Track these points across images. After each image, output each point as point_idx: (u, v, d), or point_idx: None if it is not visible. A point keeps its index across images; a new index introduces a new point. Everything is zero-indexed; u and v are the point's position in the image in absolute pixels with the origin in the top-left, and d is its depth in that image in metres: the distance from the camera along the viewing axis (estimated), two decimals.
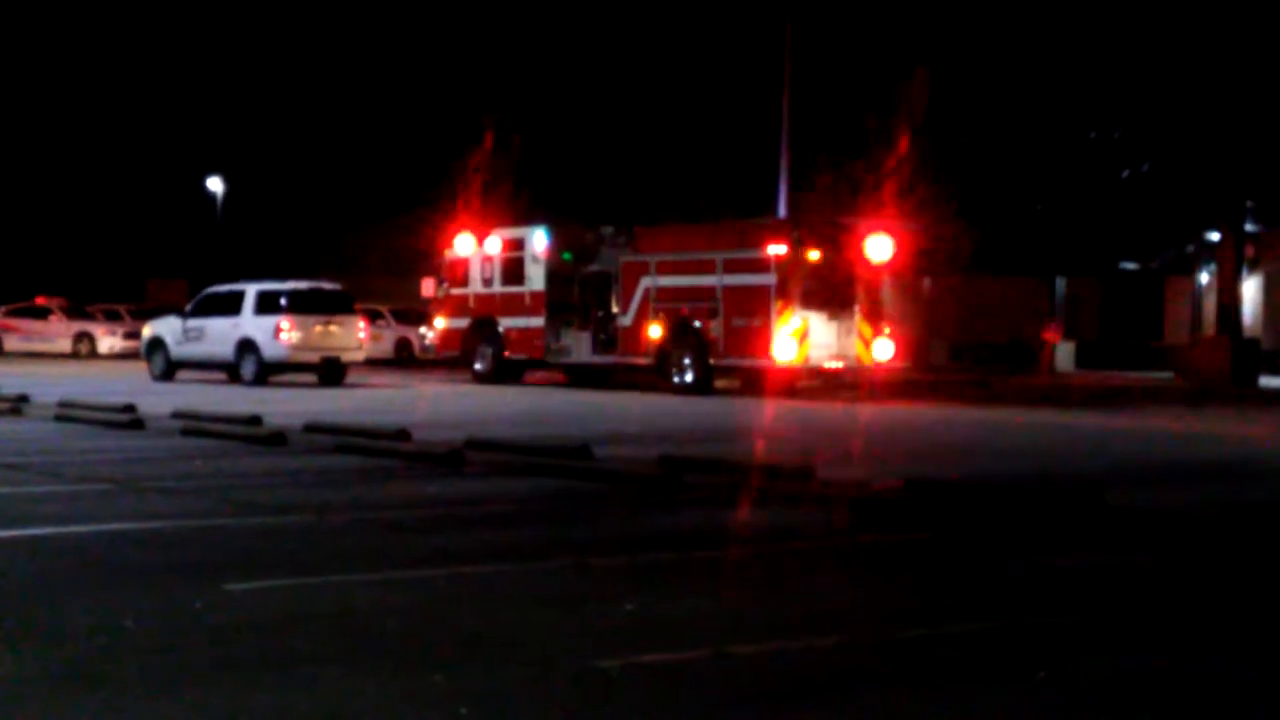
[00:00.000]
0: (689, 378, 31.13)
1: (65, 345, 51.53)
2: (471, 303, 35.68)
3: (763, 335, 30.02)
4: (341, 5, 59.48)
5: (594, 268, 33.91)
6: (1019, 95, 42.88)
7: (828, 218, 33.58)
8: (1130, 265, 46.80)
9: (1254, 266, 41.57)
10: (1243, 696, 6.99)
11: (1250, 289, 40.81)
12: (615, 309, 32.94)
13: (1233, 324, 37.85)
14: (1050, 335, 44.97)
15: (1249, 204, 39.08)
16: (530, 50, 51.92)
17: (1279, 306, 41.04)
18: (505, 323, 34.84)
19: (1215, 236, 40.00)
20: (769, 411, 26.20)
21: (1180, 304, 45.09)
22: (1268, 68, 37.17)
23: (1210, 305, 40.54)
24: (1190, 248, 43.45)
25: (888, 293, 31.59)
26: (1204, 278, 43.08)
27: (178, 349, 34.76)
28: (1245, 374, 36.47)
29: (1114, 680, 7.19)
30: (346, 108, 59.88)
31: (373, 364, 40.46)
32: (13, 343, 51.70)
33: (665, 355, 31.64)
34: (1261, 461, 18.34)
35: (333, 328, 33.84)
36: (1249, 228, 39.61)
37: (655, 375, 32.15)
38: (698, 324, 31.08)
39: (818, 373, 31.34)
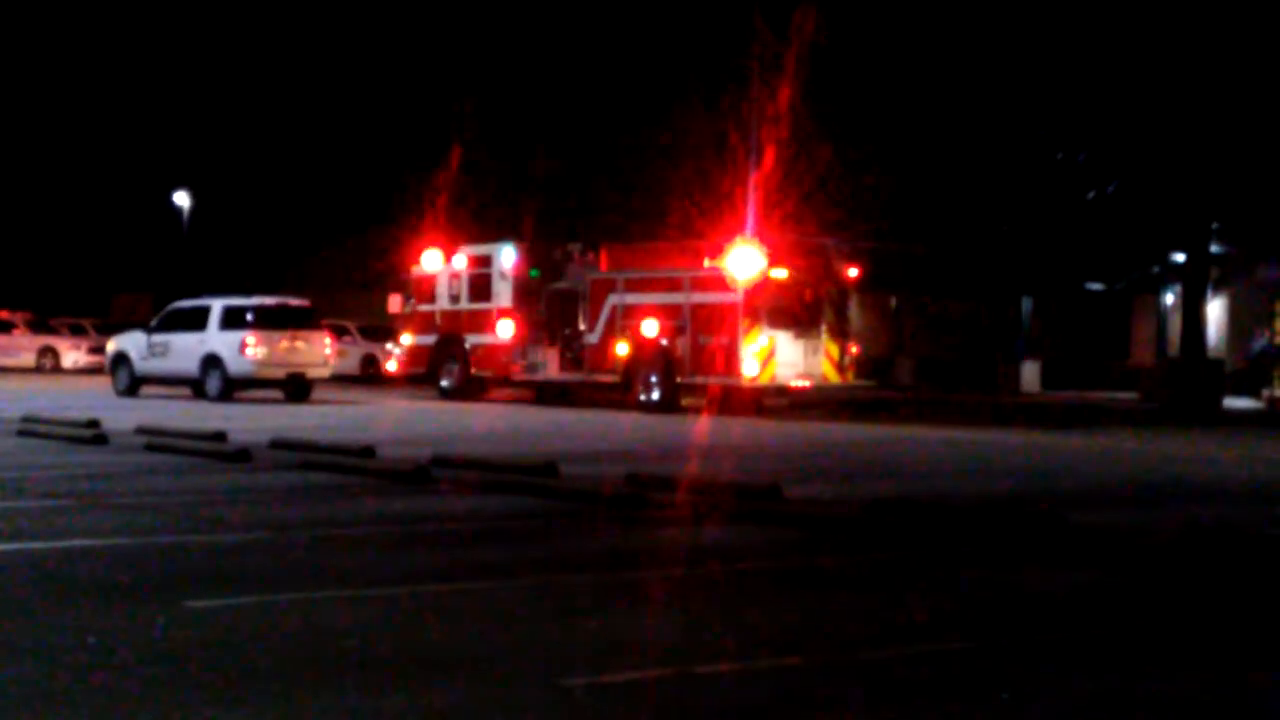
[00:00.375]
0: (655, 396, 31.15)
1: (29, 360, 51.27)
2: (438, 319, 35.66)
3: (729, 353, 30.07)
4: (307, 22, 59.41)
5: (561, 285, 33.95)
6: (986, 116, 43.07)
7: (795, 236, 33.67)
8: (1096, 286, 47.03)
9: (1219, 287, 41.83)
10: (1196, 716, 7.03)
11: (1215, 310, 41.06)
12: (582, 326, 32.96)
13: (1197, 345, 38.05)
14: (1013, 355, 45.15)
15: (1214, 225, 39.32)
16: (498, 66, 51.93)
17: (1243, 328, 41.27)
18: (472, 339, 34.82)
19: (1180, 258, 40.23)
20: (735, 430, 26.22)
21: (1146, 324, 45.36)
22: (1233, 90, 37.44)
23: (1175, 326, 40.76)
24: (1156, 268, 43.71)
25: (854, 311, 31.70)
26: (1169, 298, 43.34)
27: (143, 364, 34.60)
28: (1209, 395, 36.66)
29: (1072, 701, 7.21)
30: (313, 123, 59.80)
31: (339, 380, 40.36)
32: None
33: (632, 373, 31.66)
34: (1223, 483, 18.42)
35: (299, 344, 33.74)
36: (1214, 249, 39.86)
37: (622, 393, 32.17)
38: (664, 342, 31.12)
39: (784, 391, 31.41)
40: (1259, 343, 39.23)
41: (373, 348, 47.20)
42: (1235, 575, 10.98)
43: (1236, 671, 7.96)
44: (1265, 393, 37.49)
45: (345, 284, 56.86)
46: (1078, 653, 8.26)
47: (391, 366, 38.19)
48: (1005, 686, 7.44)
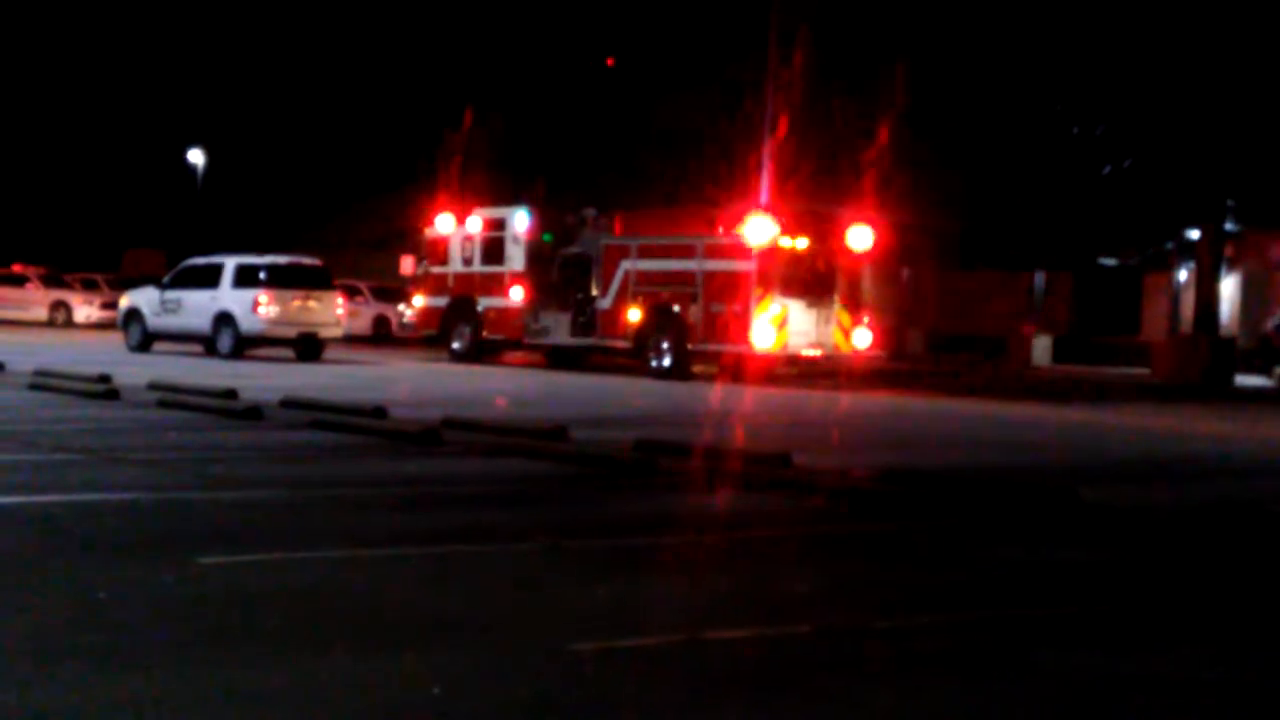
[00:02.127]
0: (667, 362, 31.11)
1: (42, 314, 51.34)
2: (451, 282, 35.61)
3: (742, 321, 30.00)
4: None
5: (574, 250, 33.86)
6: (1002, 89, 42.89)
7: (809, 206, 33.56)
8: (1109, 261, 46.89)
9: (1232, 265, 41.68)
10: (1209, 695, 6.99)
11: (1228, 287, 40.92)
12: (595, 292, 32.89)
13: (1210, 322, 37.94)
14: (1027, 329, 45.05)
15: (1229, 203, 39.16)
16: (514, 30, 51.78)
17: (1256, 305, 41.14)
18: (484, 302, 34.78)
19: (1195, 234, 40.07)
20: (746, 398, 26.19)
21: (1158, 301, 45.21)
22: (1251, 66, 37.24)
23: (1188, 303, 40.64)
24: (1170, 245, 43.55)
25: (867, 282, 31.63)
26: (1182, 275, 43.19)
27: (155, 320, 34.60)
28: (1221, 372, 36.57)
29: (1083, 676, 7.18)
30: (330, 83, 59.69)
31: (351, 341, 40.35)
32: None
33: (644, 339, 31.60)
34: (1235, 459, 18.38)
35: (311, 303, 33.71)
36: (1229, 226, 39.70)
37: (633, 359, 32.14)
38: (677, 308, 31.06)
39: (796, 360, 31.36)
40: (1274, 320, 39.09)
41: (385, 309, 47.18)
42: (1247, 550, 10.94)
43: (1242, 649, 7.92)
44: (1277, 370, 37.39)
45: (359, 244, 56.85)
46: (1085, 627, 8.22)
47: (402, 328, 38.18)
48: (1014, 660, 7.41)
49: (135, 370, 24.82)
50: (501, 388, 27.10)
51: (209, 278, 33.98)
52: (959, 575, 9.70)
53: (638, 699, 6.53)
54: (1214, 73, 37.44)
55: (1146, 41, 39.10)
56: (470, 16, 53.25)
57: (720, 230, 31.02)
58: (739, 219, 31.09)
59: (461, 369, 32.94)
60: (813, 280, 30.54)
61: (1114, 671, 7.26)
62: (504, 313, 34.41)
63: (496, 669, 6.88)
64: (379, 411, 17.96)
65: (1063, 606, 8.81)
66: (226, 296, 33.37)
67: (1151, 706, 6.75)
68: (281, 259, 34.76)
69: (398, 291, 42.98)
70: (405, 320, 38.03)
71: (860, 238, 31.06)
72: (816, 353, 30.81)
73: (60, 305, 51.81)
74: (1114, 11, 39.93)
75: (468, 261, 35.31)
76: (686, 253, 31.17)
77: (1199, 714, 6.72)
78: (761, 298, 29.85)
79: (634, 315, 31.73)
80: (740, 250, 30.25)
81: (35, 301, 51.84)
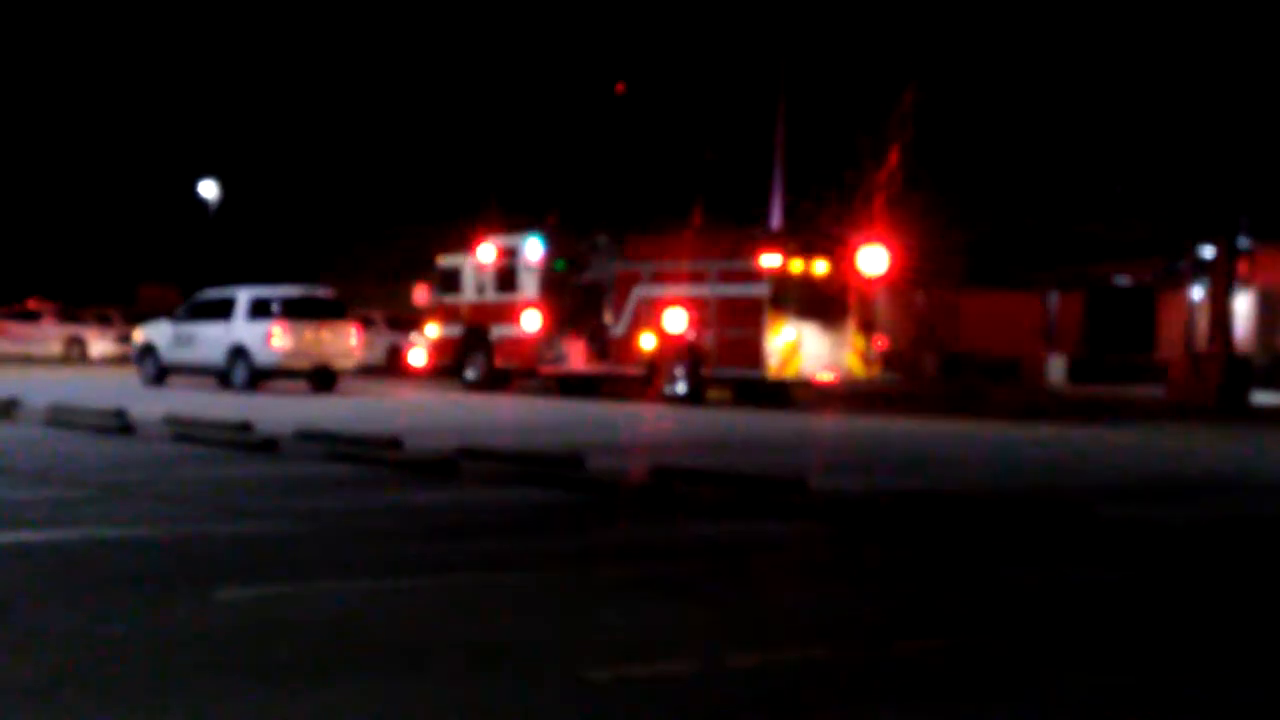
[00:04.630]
0: (681, 388, 31.12)
1: (57, 349, 51.44)
2: (464, 311, 35.65)
3: (755, 346, 30.03)
4: (333, 17, 59.47)
5: (587, 277, 33.90)
6: (1012, 109, 42.92)
7: (821, 229, 33.61)
8: (1123, 279, 46.85)
9: (1247, 283, 41.60)
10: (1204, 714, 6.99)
11: (1243, 305, 40.85)
12: (608, 319, 32.92)
13: (1225, 340, 37.88)
14: (1042, 349, 44.99)
15: (1243, 219, 39.11)
16: (524, 57, 51.94)
17: (1272, 323, 41.06)
18: (498, 331, 34.81)
19: (1209, 251, 40.03)
20: (761, 423, 26.17)
21: (1172, 319, 45.13)
22: (1263, 83, 37.23)
23: (1203, 320, 40.57)
24: (1183, 263, 43.50)
25: (881, 305, 31.65)
26: (1197, 293, 43.11)
27: (169, 354, 34.67)
28: (1236, 391, 36.48)
29: (1100, 698, 7.18)
30: (343, 115, 59.88)
31: (365, 371, 40.40)
32: (3, 345, 51.52)
33: (657, 365, 31.62)
34: (1251, 478, 18.33)
35: (325, 334, 33.75)
36: (1243, 243, 39.65)
37: (647, 385, 32.15)
38: (690, 334, 31.08)
39: (810, 385, 31.36)
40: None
41: (399, 339, 47.24)
42: (1264, 569, 10.91)
43: (1255, 671, 7.91)
44: None
45: (375, 275, 56.93)
46: (1100, 649, 8.21)
47: (413, 359, 38.11)
48: (1029, 683, 7.40)
49: (150, 405, 24.87)
50: (516, 417, 27.13)
51: (222, 310, 34.04)
52: (977, 598, 9.70)
53: None
54: (1226, 88, 37.43)
55: (1157, 59, 39.11)
56: (485, 45, 53.44)
57: (733, 255, 31.05)
58: (751, 243, 31.14)
59: (476, 398, 32.96)
60: (826, 304, 30.56)
61: (1124, 691, 7.25)
62: (517, 341, 34.44)
63: (514, 698, 6.89)
64: (394, 442, 17.98)
65: (1081, 629, 8.80)
66: (240, 329, 33.43)
67: None
68: (295, 290, 34.81)
69: (412, 321, 43.02)
70: (414, 351, 37.90)
71: (873, 260, 31.07)
72: (831, 376, 30.81)
73: (75, 340, 51.92)
74: (1123, 31, 39.96)
75: (480, 290, 35.35)
76: (699, 278, 31.20)
77: None
78: (775, 322, 29.87)
79: (647, 342, 31.75)
80: (753, 274, 30.28)
81: (50, 337, 51.94)
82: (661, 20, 48.25)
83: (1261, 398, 36.84)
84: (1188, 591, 10.14)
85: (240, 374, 33.25)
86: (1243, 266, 40.02)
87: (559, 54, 51.22)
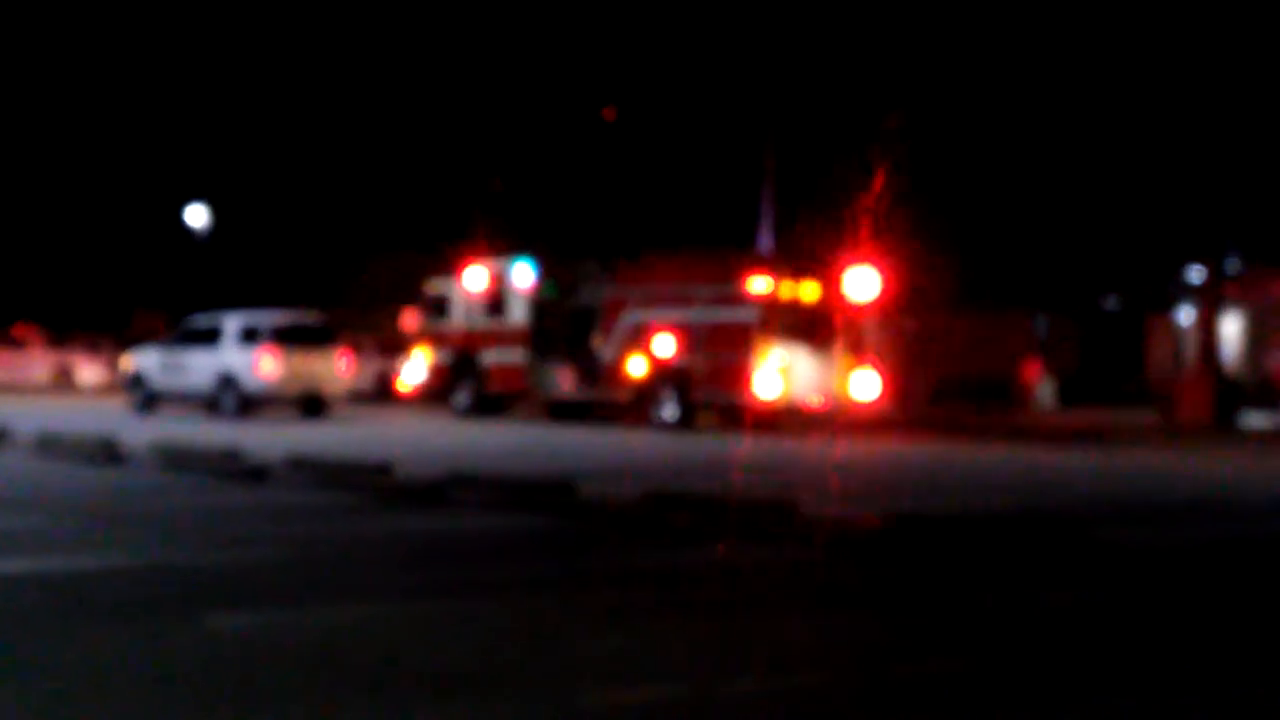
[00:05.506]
0: (671, 413, 31.11)
1: (44, 376, 51.32)
2: (453, 336, 35.61)
3: (744, 371, 30.03)
4: (320, 44, 59.55)
5: (576, 302, 33.89)
6: (1002, 132, 43.05)
7: (810, 253, 33.62)
8: (1112, 301, 46.94)
9: (1236, 304, 41.67)
10: None
11: (1232, 326, 40.90)
12: (597, 344, 32.91)
13: (1214, 362, 37.94)
14: (1031, 372, 45.02)
15: (1230, 241, 39.22)
16: (512, 81, 52.02)
17: (1260, 344, 41.12)
18: (487, 357, 34.77)
19: (1196, 273, 40.12)
20: (751, 448, 26.17)
21: (1161, 341, 45.19)
22: (1250, 105, 37.37)
23: (1192, 342, 40.63)
24: (1172, 285, 43.59)
25: (870, 329, 31.67)
26: (1185, 315, 43.19)
27: (158, 381, 34.59)
28: (1226, 412, 36.55)
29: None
30: (334, 141, 59.92)
31: (355, 397, 40.34)
32: None
33: (647, 391, 31.61)
34: (1241, 500, 18.35)
35: (314, 360, 33.70)
36: (1230, 265, 39.74)
37: (637, 411, 32.12)
38: (679, 360, 31.07)
39: (800, 409, 31.35)
40: (1275, 359, 39.07)
41: (389, 364, 47.16)
42: (1256, 591, 10.92)
43: (1248, 693, 7.91)
44: None
45: (364, 300, 56.89)
46: (1098, 672, 8.20)
47: (402, 384, 38.02)
48: (1024, 707, 7.39)
49: (139, 432, 24.82)
50: (506, 442, 27.10)
51: (211, 337, 33.98)
52: (971, 620, 9.69)
53: None
54: (1214, 112, 37.56)
55: (1145, 80, 39.25)
56: (472, 71, 53.52)
57: (721, 279, 31.06)
58: (740, 268, 31.16)
59: (465, 424, 32.94)
60: (815, 328, 30.57)
61: (1122, 715, 7.25)
62: (506, 367, 34.39)
63: None
64: (384, 468, 17.94)
65: (1079, 652, 8.79)
66: (229, 356, 33.36)
67: None
68: (284, 317, 34.77)
69: (400, 347, 42.98)
70: (403, 377, 37.79)
71: (862, 285, 31.10)
72: (821, 401, 30.82)
73: (63, 368, 51.81)
74: (1115, 51, 40.11)
75: (469, 315, 35.31)
76: (688, 302, 31.21)
77: None
78: (764, 347, 29.88)
79: (637, 367, 31.74)
80: (742, 299, 30.30)
81: (37, 364, 51.83)
82: (651, 45, 48.37)
83: (1252, 419, 36.89)
84: (1185, 613, 10.14)
85: (229, 401, 33.18)
86: (1231, 288, 40.10)
87: (547, 77, 51.31)
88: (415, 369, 36.83)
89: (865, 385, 30.91)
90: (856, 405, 31.13)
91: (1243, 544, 12.69)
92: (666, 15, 47.50)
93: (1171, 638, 9.32)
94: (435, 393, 36.47)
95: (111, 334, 55.70)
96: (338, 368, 34.24)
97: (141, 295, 63.82)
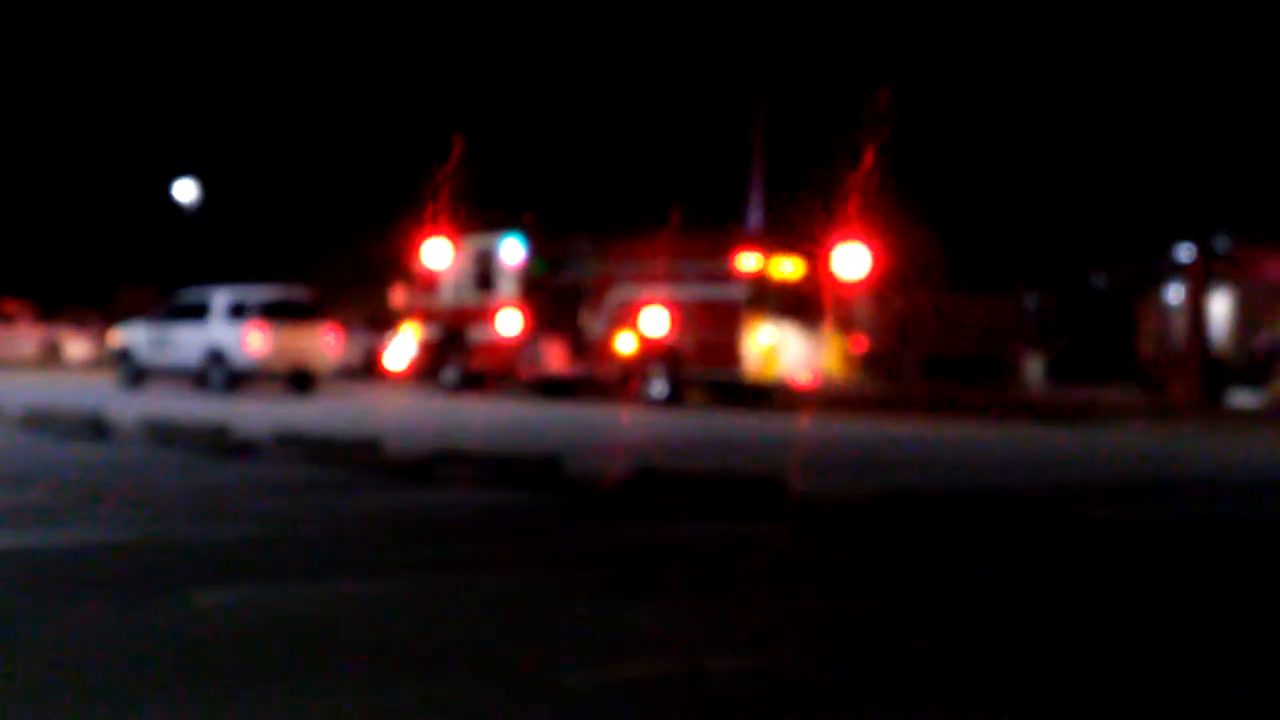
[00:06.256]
0: (660, 390, 31.13)
1: (31, 351, 51.24)
2: (441, 312, 35.57)
3: (734, 348, 30.05)
4: (309, 16, 59.36)
5: (566, 278, 33.86)
6: (992, 111, 43.02)
7: (799, 231, 33.62)
8: (1101, 281, 46.97)
9: (1224, 283, 41.75)
10: None
11: (1220, 306, 41.00)
12: (586, 320, 32.90)
13: (1202, 341, 38.01)
14: (1020, 351, 45.07)
15: (1220, 221, 39.26)
16: (503, 57, 51.90)
17: (1249, 323, 41.21)
18: (475, 333, 34.76)
19: (1185, 252, 40.18)
20: (740, 425, 26.18)
21: (1151, 320, 45.26)
22: (1240, 85, 37.37)
23: (1181, 322, 40.71)
24: (1161, 263, 43.64)
25: (860, 306, 31.69)
26: (1175, 294, 43.26)
27: (146, 356, 34.56)
28: (1214, 391, 36.63)
29: (1079, 700, 7.20)
30: (321, 116, 59.75)
31: (344, 373, 40.31)
32: None
33: (636, 368, 31.63)
34: (1228, 477, 18.40)
35: (303, 336, 33.67)
36: (1220, 243, 39.79)
37: (626, 388, 32.13)
38: (669, 336, 31.08)
39: (789, 387, 31.39)
40: (1263, 339, 39.17)
41: (378, 340, 47.11)
42: (1240, 570, 10.95)
43: (1223, 678, 7.95)
44: (1270, 389, 37.42)
45: (353, 276, 56.77)
46: (1079, 652, 8.23)
47: (388, 361, 37.97)
48: (1005, 686, 7.42)
49: (127, 407, 24.79)
50: (494, 419, 27.10)
51: (199, 312, 33.95)
52: (955, 598, 9.72)
53: None
54: (1202, 92, 37.56)
55: (1135, 60, 39.23)
56: (461, 42, 53.38)
57: (711, 256, 31.06)
58: (730, 244, 31.16)
59: (454, 400, 32.93)
60: (804, 306, 30.58)
61: (1104, 696, 7.28)
62: (495, 344, 34.38)
63: (494, 702, 6.88)
64: (372, 444, 17.94)
65: (1061, 631, 8.82)
66: (217, 331, 33.33)
67: None
68: (272, 292, 34.73)
69: (390, 322, 42.91)
70: (389, 353, 37.72)
71: (851, 262, 31.11)
72: (810, 378, 30.84)
73: (51, 343, 51.72)
74: (1106, 31, 40.07)
75: (458, 291, 35.27)
76: (678, 279, 31.20)
77: None
78: (753, 324, 29.89)
79: (626, 344, 31.74)
80: (731, 276, 30.30)
81: (25, 339, 51.73)
82: (641, 21, 48.24)
83: (1240, 398, 36.98)
84: (1166, 593, 10.17)
85: (217, 377, 33.16)
86: (1221, 266, 40.16)
87: (537, 52, 51.18)
88: (403, 345, 36.80)
89: (855, 362, 30.95)
90: (847, 381, 31.16)
91: (1226, 523, 12.73)
92: None
93: (1154, 618, 9.35)
94: (423, 369, 36.44)
95: (99, 309, 55.62)
96: (326, 343, 34.22)
97: (129, 270, 63.66)
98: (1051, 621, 9.07)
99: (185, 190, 61.13)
